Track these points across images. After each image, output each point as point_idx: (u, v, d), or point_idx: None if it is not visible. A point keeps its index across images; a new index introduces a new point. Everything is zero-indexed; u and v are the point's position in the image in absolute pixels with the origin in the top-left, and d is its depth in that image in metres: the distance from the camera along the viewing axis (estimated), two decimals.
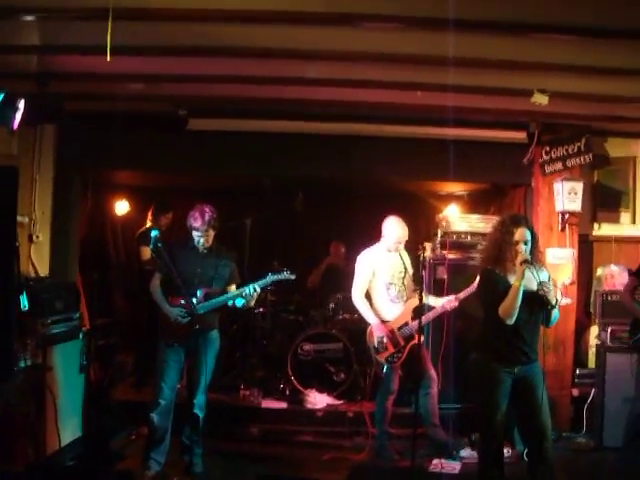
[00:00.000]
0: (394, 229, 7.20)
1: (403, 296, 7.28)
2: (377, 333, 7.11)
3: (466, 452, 7.34)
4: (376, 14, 5.17)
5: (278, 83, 6.98)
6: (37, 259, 8.01)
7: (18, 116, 6.14)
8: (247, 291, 6.37)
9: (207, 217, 6.35)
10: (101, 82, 7.03)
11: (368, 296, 7.28)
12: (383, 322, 7.16)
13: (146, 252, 8.46)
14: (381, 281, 7.23)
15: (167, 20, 5.31)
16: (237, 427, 7.84)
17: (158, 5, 5.06)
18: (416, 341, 6.92)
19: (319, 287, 10.74)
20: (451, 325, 7.83)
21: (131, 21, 5.21)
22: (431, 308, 7.27)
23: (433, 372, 7.31)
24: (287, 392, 8.74)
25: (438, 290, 7.84)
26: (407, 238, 7.27)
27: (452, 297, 7.14)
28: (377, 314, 7.19)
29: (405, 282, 7.31)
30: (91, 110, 8.00)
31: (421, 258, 6.79)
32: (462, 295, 7.07)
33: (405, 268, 7.32)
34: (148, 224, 9.14)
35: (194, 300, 6.24)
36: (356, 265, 7.37)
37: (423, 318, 6.97)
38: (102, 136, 8.07)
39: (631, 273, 7.12)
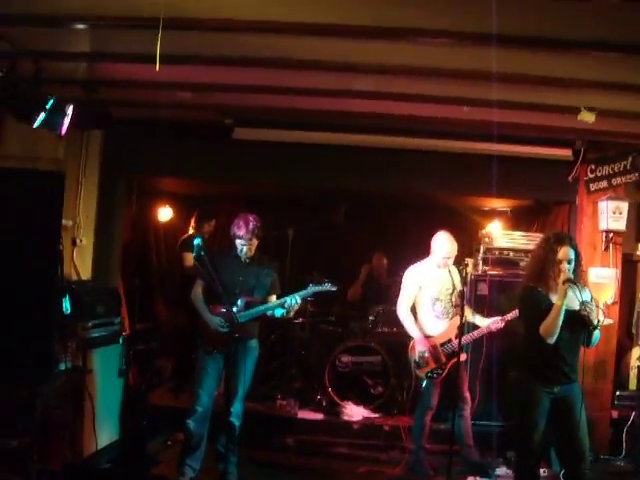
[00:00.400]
0: (443, 244, 7.16)
1: (449, 313, 7.24)
2: (419, 347, 7.09)
3: (501, 470, 7.29)
4: (423, 29, 5.16)
5: (324, 95, 6.99)
6: (80, 263, 8.10)
7: (66, 121, 6.21)
8: (288, 301, 6.38)
9: (251, 226, 6.38)
10: (148, 90, 7.12)
11: (413, 310, 7.26)
12: (426, 337, 7.13)
13: (188, 259, 8.51)
14: (427, 296, 7.21)
15: (215, 30, 5.36)
16: (273, 437, 7.85)
17: (206, 15, 5.10)
18: (458, 359, 6.88)
19: (360, 299, 10.71)
20: (492, 341, 7.78)
21: (180, 30, 5.25)
22: (476, 327, 7.23)
23: (467, 394, 7.29)
24: (324, 403, 8.73)
25: (479, 307, 7.79)
26: (456, 254, 7.23)
27: (498, 318, 7.06)
28: (421, 329, 7.16)
29: (452, 299, 7.25)
30: (138, 117, 8.06)
31: (463, 274, 6.78)
32: (509, 317, 6.97)
33: (453, 285, 7.24)
34: (191, 231, 9.21)
35: (235, 309, 6.27)
36: (403, 279, 7.35)
37: (468, 336, 6.99)
38: (148, 143, 8.15)
39: None
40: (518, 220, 10.95)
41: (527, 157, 8.36)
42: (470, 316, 7.27)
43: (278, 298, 6.59)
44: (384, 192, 9.39)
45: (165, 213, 10.97)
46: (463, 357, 7.09)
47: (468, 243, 9.41)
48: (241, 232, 6.39)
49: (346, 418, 8.37)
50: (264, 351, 8.77)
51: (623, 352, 8.50)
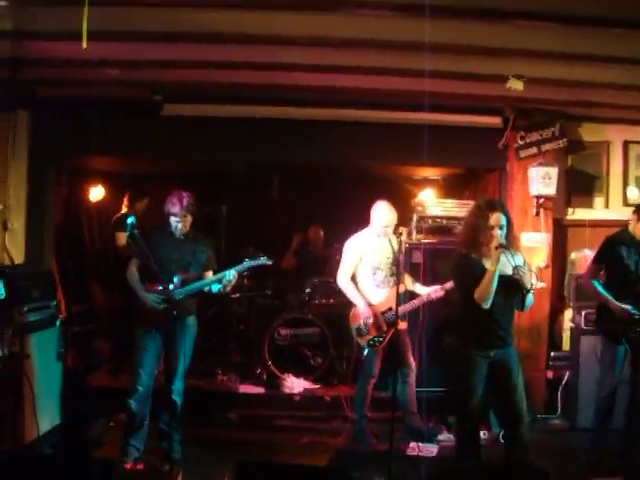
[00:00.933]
0: (383, 214, 7.20)
1: (389, 281, 7.28)
2: (363, 315, 7.14)
3: (443, 435, 7.42)
4: (356, 1, 5.17)
5: (254, 69, 6.95)
6: (12, 247, 7.94)
7: None
8: (225, 277, 6.37)
9: (185, 202, 6.34)
10: (75, 68, 6.96)
11: (353, 280, 7.30)
12: (369, 305, 7.18)
13: (122, 238, 8.43)
14: (368, 266, 7.26)
15: (141, 5, 5.29)
16: (215, 413, 7.86)
17: None
18: (399, 327, 6.94)
19: (295, 268, 10.77)
20: (430, 309, 7.86)
21: (105, 6, 5.16)
22: (416, 295, 7.31)
23: (412, 361, 7.37)
24: (264, 377, 8.76)
25: (414, 275, 7.87)
26: (395, 222, 7.26)
27: (438, 287, 7.16)
28: (362, 297, 7.21)
29: (392, 268, 7.28)
30: (65, 96, 7.92)
31: (398, 242, 6.83)
32: (448, 285, 7.06)
33: (393, 253, 7.25)
34: (124, 210, 9.10)
35: (171, 286, 6.24)
36: (344, 249, 7.38)
37: (408, 305, 7.06)
38: (77, 122, 8.00)
39: (593, 260, 7.16)
40: (450, 188, 11.05)
41: (458, 126, 8.43)
42: (410, 285, 7.34)
43: (214, 274, 6.58)
44: (316, 164, 9.40)
45: (97, 193, 10.79)
46: (404, 325, 7.18)
47: (402, 212, 9.49)
48: (175, 209, 6.34)
49: (287, 391, 8.41)
50: (202, 327, 8.74)
51: (556, 314, 8.67)
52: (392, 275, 7.27)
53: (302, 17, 5.56)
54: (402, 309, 6.95)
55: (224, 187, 10.79)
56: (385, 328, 7.13)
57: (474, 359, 5.50)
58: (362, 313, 7.14)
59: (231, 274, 6.38)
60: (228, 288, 6.53)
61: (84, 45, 4.99)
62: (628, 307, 6.61)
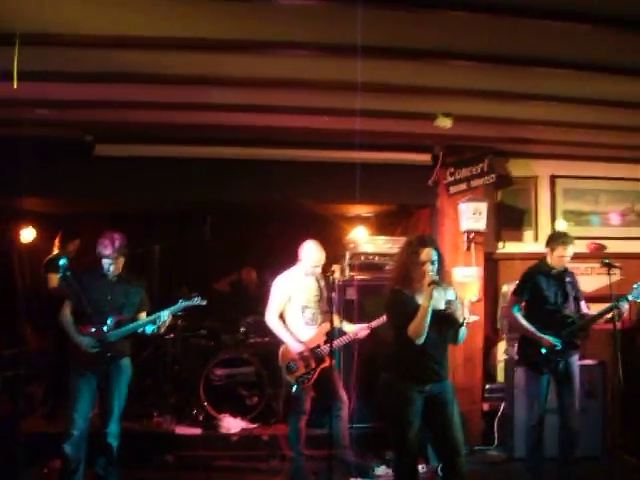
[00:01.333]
0: (312, 253, 7.21)
1: (317, 319, 7.30)
2: (296, 352, 7.12)
3: (381, 470, 7.44)
4: (287, 41, 5.24)
5: (186, 109, 7.00)
6: None
7: None
8: (159, 318, 6.35)
9: (117, 244, 6.30)
10: (5, 107, 6.90)
11: (282, 318, 7.28)
12: (299, 342, 7.19)
13: (54, 280, 8.32)
14: (297, 304, 7.25)
15: (73, 46, 5.25)
16: (152, 455, 7.73)
17: (63, 31, 5.00)
18: (327, 364, 7.02)
19: (231, 294, 10.75)
20: (362, 346, 7.90)
21: (36, 46, 5.14)
22: (344, 333, 7.34)
23: (344, 395, 7.35)
24: (201, 418, 8.66)
25: (348, 311, 7.92)
26: (324, 262, 7.31)
27: (365, 325, 7.23)
28: (291, 334, 7.21)
29: (320, 306, 7.34)
30: None
31: (330, 280, 6.87)
32: (374, 324, 7.14)
33: (320, 292, 7.34)
34: (55, 251, 8.99)
35: (105, 328, 6.18)
36: (272, 288, 7.36)
37: (335, 342, 7.04)
38: (7, 162, 7.87)
39: (513, 292, 7.31)
40: (382, 225, 11.15)
41: (389, 163, 8.56)
42: (337, 323, 7.37)
43: (148, 315, 6.54)
44: (248, 204, 9.44)
45: (28, 234, 10.67)
46: (328, 363, 7.17)
47: (335, 249, 9.55)
48: (107, 251, 6.30)
49: (224, 431, 8.33)
50: (137, 369, 8.64)
51: (490, 347, 8.80)
52: (320, 313, 7.32)
53: (232, 58, 5.61)
54: (325, 348, 7.06)
55: (157, 227, 10.74)
56: (314, 365, 7.13)
57: (409, 394, 5.51)
58: (295, 349, 7.12)
59: (165, 315, 6.35)
60: (162, 329, 6.50)
61: (15, 85, 4.97)
62: (550, 338, 6.76)
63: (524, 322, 6.97)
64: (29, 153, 7.56)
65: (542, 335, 6.80)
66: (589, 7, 4.61)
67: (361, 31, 4.73)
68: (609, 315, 6.77)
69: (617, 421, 8.21)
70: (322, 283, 7.37)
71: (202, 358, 9.32)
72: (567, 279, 7.07)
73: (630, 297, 6.73)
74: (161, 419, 8.53)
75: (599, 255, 8.70)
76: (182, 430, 8.36)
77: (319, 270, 7.29)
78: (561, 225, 9.10)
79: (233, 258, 11.23)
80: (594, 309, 7.01)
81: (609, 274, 6.68)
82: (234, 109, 7.02)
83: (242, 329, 9.58)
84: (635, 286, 6.78)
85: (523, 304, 7.10)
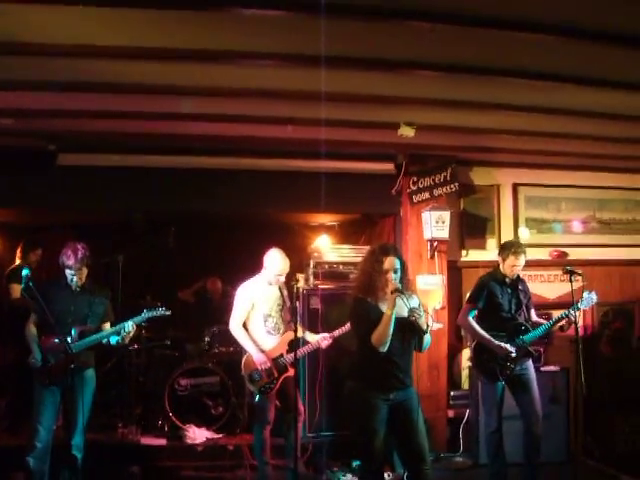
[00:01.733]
0: (276, 262, 7.20)
1: (280, 328, 7.30)
2: (258, 362, 7.10)
3: (347, 478, 7.45)
4: (251, 52, 5.25)
5: (150, 118, 6.97)
6: None
7: None
8: (123, 328, 6.31)
9: (80, 255, 6.26)
10: None
11: (245, 327, 7.26)
12: (261, 352, 7.17)
13: (16, 290, 8.26)
14: (259, 313, 7.24)
15: (36, 55, 5.21)
16: (117, 466, 7.64)
17: (28, 40, 4.98)
18: (290, 373, 7.05)
19: (195, 304, 10.76)
20: (327, 355, 7.93)
21: (1, 55, 5.13)
22: (306, 342, 7.35)
23: (301, 406, 7.40)
24: (166, 428, 8.62)
25: (313, 320, 7.94)
26: (288, 270, 7.31)
27: (327, 335, 7.24)
28: (254, 343, 7.20)
29: (282, 315, 7.35)
30: None
31: (294, 289, 6.87)
32: (336, 333, 7.18)
33: (283, 301, 7.36)
34: (17, 262, 8.92)
35: (69, 339, 6.13)
36: (236, 296, 7.35)
37: (298, 352, 7.05)
38: None
39: (467, 300, 7.37)
40: (346, 233, 11.19)
41: (352, 172, 8.61)
42: (300, 332, 7.37)
43: (112, 325, 6.51)
44: (213, 213, 9.43)
45: None
46: (291, 372, 7.18)
47: (299, 259, 9.56)
48: (70, 262, 6.26)
49: (189, 441, 8.27)
50: (101, 380, 8.58)
51: (454, 354, 8.85)
52: (283, 322, 7.34)
53: (198, 67, 5.62)
54: (289, 357, 7.07)
55: (121, 237, 10.67)
56: (276, 374, 7.13)
57: (374, 402, 5.53)
58: (257, 359, 7.09)
59: (129, 325, 6.32)
60: (127, 340, 6.47)
61: None
62: (505, 345, 6.82)
63: (479, 329, 7.02)
64: None
65: (497, 342, 6.87)
66: (555, 19, 4.68)
67: (325, 41, 4.77)
68: (561, 323, 6.87)
69: (580, 426, 8.28)
70: (285, 292, 7.38)
71: (167, 368, 9.29)
72: (520, 287, 7.15)
73: (580, 305, 6.82)
74: (126, 430, 8.45)
75: (561, 262, 8.80)
76: (147, 441, 8.29)
77: (283, 279, 7.31)
78: (524, 233, 9.19)
79: (198, 268, 11.20)
80: (556, 316, 7.08)
81: (571, 281, 6.75)
82: (199, 118, 7.02)
83: (207, 339, 9.54)
84: (585, 295, 6.88)
85: (476, 312, 7.16)
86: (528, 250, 7.19)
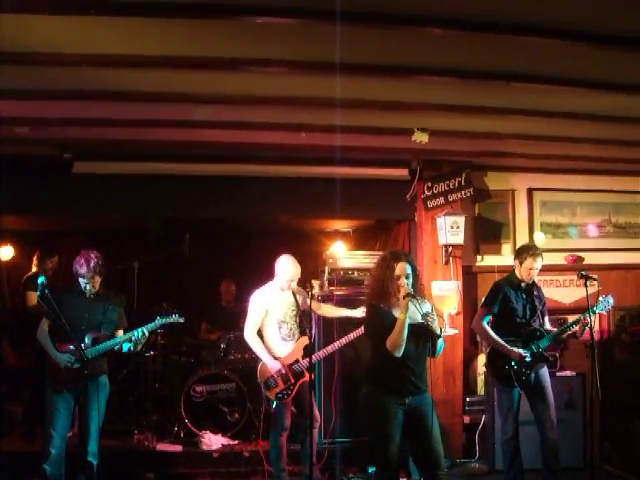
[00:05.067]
0: (287, 267, 7.22)
1: (295, 334, 7.32)
2: (273, 369, 7.12)
3: None
4: (266, 59, 5.26)
5: (165, 126, 6.98)
6: None
7: None
8: (136, 335, 6.32)
9: (92, 263, 6.30)
10: None
11: (260, 334, 7.28)
12: (275, 359, 7.18)
13: (32, 298, 8.29)
14: (274, 319, 7.25)
15: (51, 64, 5.24)
16: (133, 473, 7.68)
17: (41, 50, 5.01)
18: (306, 379, 7.05)
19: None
20: (341, 361, 7.95)
21: (14, 65, 5.16)
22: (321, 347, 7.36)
23: (316, 412, 7.39)
24: (182, 435, 8.64)
25: (327, 326, 7.94)
26: (300, 276, 7.32)
27: (342, 339, 7.27)
28: (268, 351, 7.20)
29: (297, 320, 7.36)
30: None
31: (309, 296, 6.89)
32: (352, 336, 7.21)
33: (297, 307, 7.36)
34: (34, 269, 8.96)
35: (82, 345, 6.15)
36: (249, 303, 7.36)
37: (313, 357, 7.06)
38: None
39: (482, 305, 7.36)
40: (361, 239, 11.20)
41: (367, 178, 8.60)
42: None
43: (125, 332, 6.52)
44: (228, 219, 9.44)
45: (6, 252, 10.64)
46: (307, 377, 7.20)
47: (314, 264, 9.56)
48: (83, 270, 6.29)
49: (205, 448, 8.28)
50: (117, 386, 8.66)
51: (470, 359, 8.82)
52: (297, 328, 7.36)
53: (212, 75, 5.63)
54: (305, 362, 7.09)
55: (136, 244, 10.72)
56: (293, 380, 7.14)
57: (390, 407, 5.53)
58: (271, 367, 7.12)
59: (141, 332, 6.33)
60: (139, 347, 6.47)
61: None
62: (520, 350, 6.80)
63: (493, 335, 7.01)
64: (7, 171, 7.54)
65: (511, 348, 6.86)
66: (564, 23, 4.66)
67: (339, 48, 4.77)
68: (575, 329, 6.85)
69: (597, 432, 8.23)
70: (300, 298, 7.38)
71: (182, 375, 9.32)
72: (535, 293, 7.13)
73: (597, 309, 6.80)
74: (142, 436, 8.47)
75: (577, 267, 8.76)
76: (163, 447, 8.30)
77: (295, 284, 7.32)
78: (539, 237, 9.15)
79: (213, 274, 11.21)
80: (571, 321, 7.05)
81: (586, 286, 6.72)
82: (214, 126, 7.03)
83: (222, 345, 9.56)
84: (601, 299, 6.85)
85: (491, 317, 7.15)
86: (544, 255, 7.17)
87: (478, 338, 8.70)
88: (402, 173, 8.76)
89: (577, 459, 7.95)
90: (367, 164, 8.52)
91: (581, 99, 6.26)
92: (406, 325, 5.39)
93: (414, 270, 5.65)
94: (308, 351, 6.84)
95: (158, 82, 5.81)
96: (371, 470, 7.53)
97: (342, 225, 11.33)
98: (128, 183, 8.26)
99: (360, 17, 4.50)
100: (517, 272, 7.10)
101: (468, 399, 8.60)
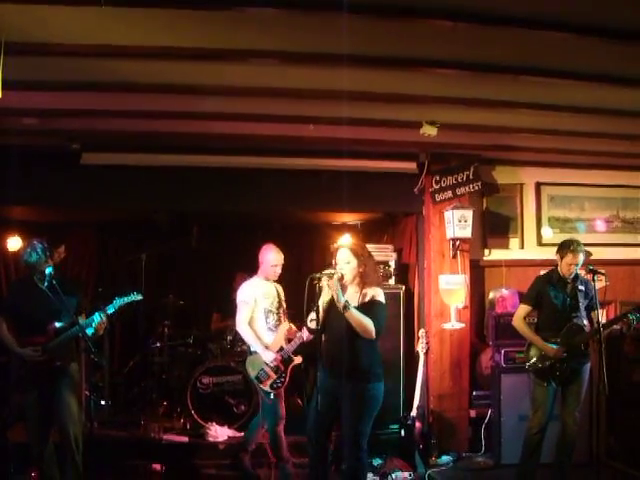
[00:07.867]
0: (270, 254, 7.42)
1: (279, 324, 7.41)
2: (268, 360, 7.14)
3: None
4: (273, 50, 5.26)
5: (172, 117, 6.97)
6: None
7: None
8: (94, 320, 6.21)
9: (39, 251, 6.28)
10: None
11: (249, 325, 7.33)
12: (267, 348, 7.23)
13: None
14: (261, 309, 7.34)
15: (59, 55, 5.25)
16: (139, 463, 7.67)
17: (49, 40, 5.01)
18: (296, 362, 7.20)
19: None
20: None
21: (22, 56, 5.14)
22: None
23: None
24: (188, 426, 8.69)
25: None
26: (283, 262, 7.45)
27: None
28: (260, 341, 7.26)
29: (280, 311, 7.48)
30: None
31: (316, 288, 6.88)
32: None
33: (280, 297, 7.52)
34: None
35: (45, 336, 6.15)
36: (239, 296, 7.41)
37: (293, 343, 7.18)
38: None
39: (521, 300, 7.36)
40: (369, 232, 11.17)
41: (375, 172, 8.58)
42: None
43: (87, 317, 6.36)
44: (236, 212, 9.43)
45: (14, 243, 10.63)
46: (299, 360, 7.27)
47: (322, 257, 9.55)
48: (32, 259, 6.26)
49: (211, 439, 8.32)
50: (124, 378, 8.67)
51: (477, 353, 8.81)
52: (279, 317, 7.45)
53: (221, 66, 5.62)
54: (289, 347, 7.21)
55: (145, 236, 10.71)
56: (283, 368, 7.17)
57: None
58: (266, 358, 7.14)
59: (99, 316, 6.23)
60: (101, 331, 6.33)
61: None
62: (554, 346, 6.80)
63: (527, 331, 7.03)
64: (15, 162, 7.54)
65: (545, 344, 6.86)
66: (573, 17, 4.65)
67: (347, 40, 4.77)
68: (618, 325, 6.84)
69: (603, 428, 8.21)
70: (282, 294, 7.59)
71: (189, 366, 9.36)
72: (580, 287, 7.09)
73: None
74: (149, 427, 8.50)
75: (585, 261, 8.73)
76: (170, 438, 8.34)
77: (279, 270, 7.47)
78: (547, 232, 9.15)
79: (221, 267, 11.21)
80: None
81: (594, 280, 6.70)
82: (222, 118, 7.03)
83: (229, 337, 9.57)
84: None
85: (530, 312, 7.15)
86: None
87: (485, 332, 8.70)
88: (410, 166, 8.73)
89: (583, 454, 7.94)
90: (375, 157, 8.49)
91: (590, 93, 6.24)
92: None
93: (347, 257, 6.12)
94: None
95: (164, 73, 5.80)
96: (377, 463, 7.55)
97: (350, 218, 11.31)
98: (136, 174, 8.25)
99: (369, 9, 4.49)
100: (558, 267, 7.08)
101: (475, 393, 8.59)
